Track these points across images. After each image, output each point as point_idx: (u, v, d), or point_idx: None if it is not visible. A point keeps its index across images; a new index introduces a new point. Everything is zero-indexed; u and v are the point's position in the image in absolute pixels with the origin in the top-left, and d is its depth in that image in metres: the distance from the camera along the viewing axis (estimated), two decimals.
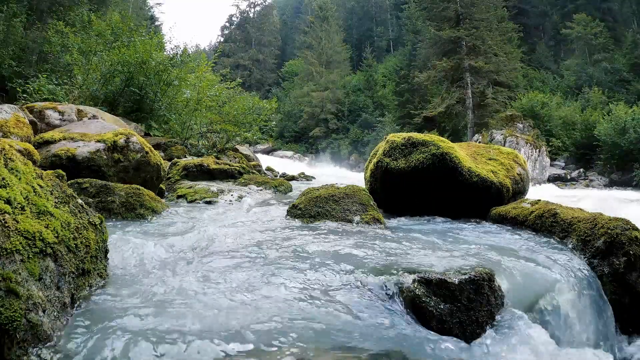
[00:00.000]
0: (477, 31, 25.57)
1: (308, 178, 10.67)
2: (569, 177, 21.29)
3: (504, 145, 16.90)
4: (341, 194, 2.90)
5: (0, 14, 10.98)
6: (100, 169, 3.54)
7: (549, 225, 2.56)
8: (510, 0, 34.49)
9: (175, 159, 5.83)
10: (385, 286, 1.64)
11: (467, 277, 1.62)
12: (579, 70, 31.79)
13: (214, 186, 4.47)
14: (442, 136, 4.39)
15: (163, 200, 3.50)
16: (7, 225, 1.11)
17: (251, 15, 55.79)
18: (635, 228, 2.17)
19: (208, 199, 3.92)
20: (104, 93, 8.53)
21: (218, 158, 6.97)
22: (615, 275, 2.05)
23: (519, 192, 3.66)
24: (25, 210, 1.22)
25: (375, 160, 3.49)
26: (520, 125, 23.48)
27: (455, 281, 1.60)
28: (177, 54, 10.30)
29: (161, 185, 4.35)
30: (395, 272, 1.72)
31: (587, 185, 19.17)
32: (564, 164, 23.44)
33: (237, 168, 5.50)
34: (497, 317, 1.64)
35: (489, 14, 26.71)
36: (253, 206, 3.83)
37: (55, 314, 1.17)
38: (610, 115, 21.23)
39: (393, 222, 3.15)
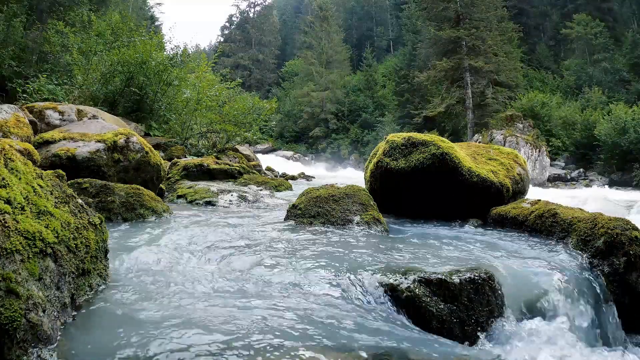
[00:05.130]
0: (477, 31, 25.56)
1: (308, 178, 10.67)
2: (569, 177, 21.29)
3: (504, 145, 16.90)
4: (341, 194, 2.90)
5: (0, 14, 10.97)
6: (100, 169, 3.54)
7: (549, 225, 2.56)
8: (510, 0, 34.50)
9: (175, 159, 5.83)
10: (386, 286, 1.64)
11: (467, 277, 1.62)
12: (579, 70, 31.80)
13: (214, 186, 4.47)
14: (442, 136, 4.39)
15: (163, 201, 3.49)
16: (7, 225, 1.11)
17: (251, 15, 55.79)
18: (635, 228, 2.17)
19: (208, 199, 3.92)
20: (104, 93, 8.52)
21: (218, 158, 6.98)
22: (615, 275, 2.05)
23: (519, 192, 3.66)
24: (25, 210, 1.22)
25: (375, 160, 3.49)
26: (520, 125, 23.48)
27: (455, 281, 1.60)
28: (177, 54, 10.28)
29: (161, 185, 4.34)
30: (395, 272, 1.72)
31: (587, 185, 19.16)
32: (564, 164, 23.45)
33: (237, 168, 5.49)
34: (498, 317, 1.64)
35: (489, 14, 26.71)
36: (253, 206, 3.83)
37: (55, 313, 1.17)
38: (610, 115, 21.23)
39: (393, 222, 3.15)
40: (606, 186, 17.77)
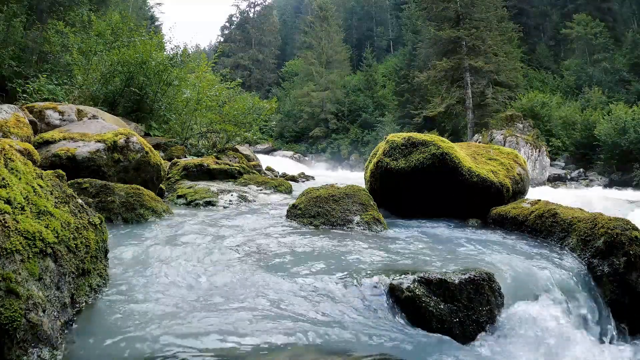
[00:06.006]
0: (477, 31, 25.55)
1: (308, 178, 10.64)
2: (569, 177, 21.29)
3: (504, 145, 16.89)
4: (341, 194, 2.90)
5: (0, 14, 10.97)
6: (100, 169, 3.53)
7: (549, 225, 2.56)
8: (510, 0, 34.49)
9: (175, 159, 5.83)
10: (386, 286, 1.64)
11: (467, 277, 1.62)
12: (579, 70, 31.79)
13: (214, 186, 4.47)
14: (442, 136, 4.39)
15: (163, 201, 3.49)
16: (7, 225, 1.11)
17: (251, 15, 55.76)
18: (635, 228, 2.17)
19: (208, 199, 3.91)
20: (104, 93, 8.51)
21: (218, 158, 6.97)
22: (615, 275, 2.05)
23: (519, 192, 3.66)
24: (25, 210, 1.22)
25: (375, 160, 3.49)
26: (520, 125, 23.48)
27: (455, 281, 1.60)
28: (177, 54, 10.27)
29: (161, 185, 4.34)
30: (395, 272, 1.72)
31: (587, 185, 19.16)
32: (564, 164, 23.45)
33: (237, 168, 5.49)
34: (497, 317, 1.64)
35: (489, 13, 26.70)
36: (253, 206, 3.83)
37: (55, 313, 1.17)
38: (610, 115, 21.23)
39: (393, 222, 3.14)
40: (606, 187, 17.76)
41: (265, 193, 4.64)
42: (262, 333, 1.25)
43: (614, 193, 13.18)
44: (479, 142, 16.27)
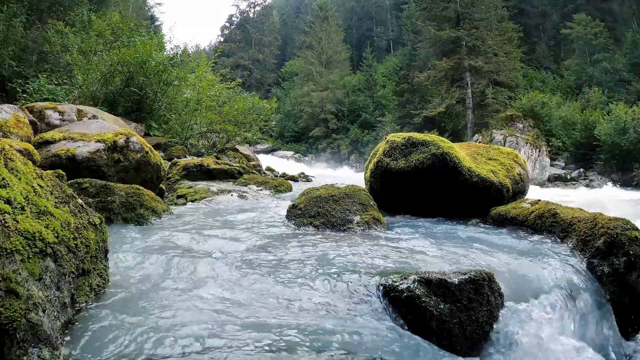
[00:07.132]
0: (477, 31, 25.58)
1: (308, 178, 10.65)
2: (569, 177, 21.29)
3: (504, 145, 16.89)
4: (341, 194, 2.90)
5: (0, 14, 10.97)
6: (100, 169, 3.54)
7: (549, 225, 2.56)
8: (510, 0, 34.49)
9: (175, 159, 5.83)
10: (385, 286, 1.64)
11: (467, 277, 1.62)
12: (579, 70, 31.78)
13: (214, 186, 4.47)
14: (442, 136, 4.39)
15: (163, 201, 3.49)
16: (7, 225, 1.11)
17: (251, 15, 55.79)
18: (635, 228, 2.17)
19: (208, 199, 3.92)
20: (104, 93, 8.53)
21: (218, 158, 6.98)
22: (615, 275, 2.05)
23: (519, 192, 3.66)
24: (25, 210, 1.22)
25: (375, 160, 3.49)
26: (520, 125, 23.49)
27: (455, 281, 1.60)
28: (177, 54, 10.29)
29: (161, 185, 4.34)
30: (395, 272, 1.72)
31: (587, 185, 19.14)
32: (564, 164, 23.45)
33: (237, 168, 5.49)
34: (497, 317, 1.64)
35: (489, 14, 26.73)
36: (253, 206, 3.83)
37: (55, 314, 1.17)
38: (610, 115, 21.23)
39: (393, 222, 3.14)
40: (610, 184, 17.70)
41: (265, 193, 4.64)
42: (258, 334, 1.25)
43: (617, 193, 13.10)
44: (479, 142, 16.28)
